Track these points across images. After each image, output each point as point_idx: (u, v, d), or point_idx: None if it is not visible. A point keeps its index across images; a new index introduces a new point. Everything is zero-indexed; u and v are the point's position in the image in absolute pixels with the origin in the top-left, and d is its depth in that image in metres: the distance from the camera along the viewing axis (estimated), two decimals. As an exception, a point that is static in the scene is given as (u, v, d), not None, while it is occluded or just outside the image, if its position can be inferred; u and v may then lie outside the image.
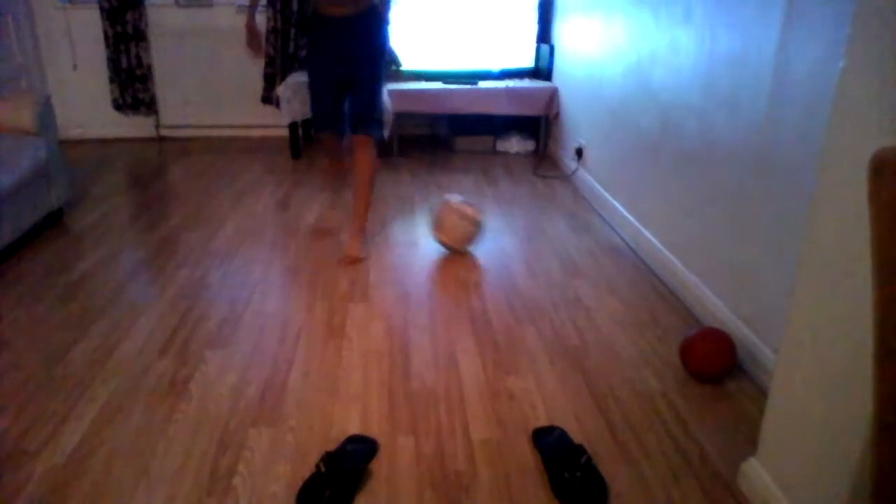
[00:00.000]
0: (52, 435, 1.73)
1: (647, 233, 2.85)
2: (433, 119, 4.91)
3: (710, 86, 2.30)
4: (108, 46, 4.61)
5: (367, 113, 2.82)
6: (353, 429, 1.76)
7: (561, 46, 4.30)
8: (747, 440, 1.71)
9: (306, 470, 1.59)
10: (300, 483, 1.55)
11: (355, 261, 2.81)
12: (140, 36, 4.59)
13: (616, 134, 3.26)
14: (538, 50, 4.57)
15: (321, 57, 2.80)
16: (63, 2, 4.57)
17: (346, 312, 2.38)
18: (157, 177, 4.08)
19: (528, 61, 4.58)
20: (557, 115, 4.33)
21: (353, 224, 2.92)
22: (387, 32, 2.88)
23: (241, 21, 4.62)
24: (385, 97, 4.24)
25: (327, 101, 2.86)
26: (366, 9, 2.72)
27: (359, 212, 2.91)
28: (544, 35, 4.55)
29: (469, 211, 2.83)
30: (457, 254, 2.89)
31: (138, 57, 4.64)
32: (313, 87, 2.89)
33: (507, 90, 4.31)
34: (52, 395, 1.89)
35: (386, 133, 4.32)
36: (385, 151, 4.44)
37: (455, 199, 2.88)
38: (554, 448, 1.66)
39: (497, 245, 3.02)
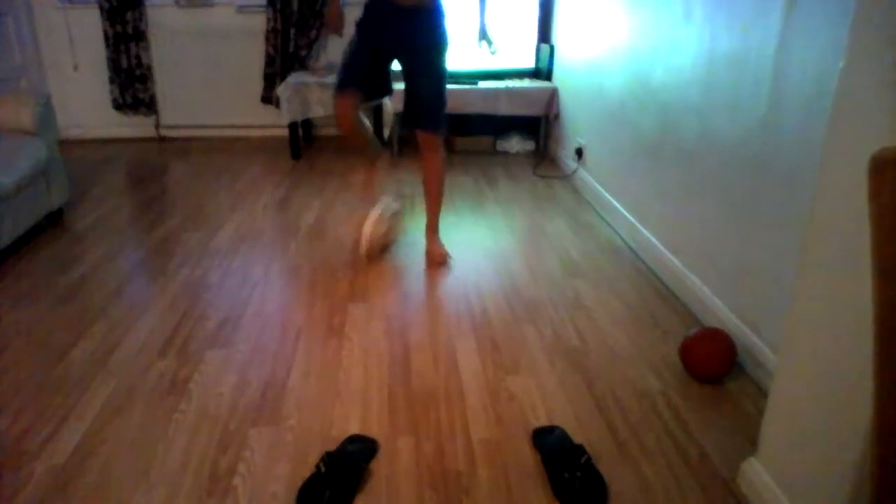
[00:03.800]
0: (52, 435, 1.73)
1: (647, 233, 2.85)
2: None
3: (710, 85, 2.30)
4: (108, 46, 4.61)
5: (431, 105, 2.68)
6: (353, 429, 1.76)
7: (561, 46, 4.29)
8: (747, 440, 1.70)
9: (306, 470, 1.59)
10: (300, 483, 1.55)
11: (444, 261, 2.81)
12: (140, 36, 4.59)
13: (616, 134, 3.26)
14: (538, 50, 4.57)
15: (371, 31, 2.61)
16: (63, 2, 4.57)
17: (346, 312, 2.38)
18: (157, 177, 4.08)
19: (528, 61, 4.58)
20: (557, 115, 4.33)
21: (428, 227, 2.91)
22: (446, 30, 2.66)
23: (241, 21, 4.66)
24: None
25: (361, 63, 2.64)
26: (431, 5, 2.58)
27: (432, 213, 2.88)
28: (544, 35, 4.55)
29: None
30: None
31: (138, 57, 4.64)
32: (351, 50, 2.66)
33: (507, 90, 4.31)
34: (52, 395, 1.89)
35: (386, 133, 4.33)
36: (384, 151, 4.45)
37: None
38: (554, 448, 1.66)
39: (497, 245, 3.02)
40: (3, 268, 2.71)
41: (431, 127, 2.73)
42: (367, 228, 2.77)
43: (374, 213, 2.82)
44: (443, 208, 3.15)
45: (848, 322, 1.21)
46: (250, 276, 2.67)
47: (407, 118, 2.79)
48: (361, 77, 2.68)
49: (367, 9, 2.66)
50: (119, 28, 4.56)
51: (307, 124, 4.78)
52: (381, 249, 2.87)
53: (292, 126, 4.36)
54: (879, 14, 1.11)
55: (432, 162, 2.79)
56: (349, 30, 2.76)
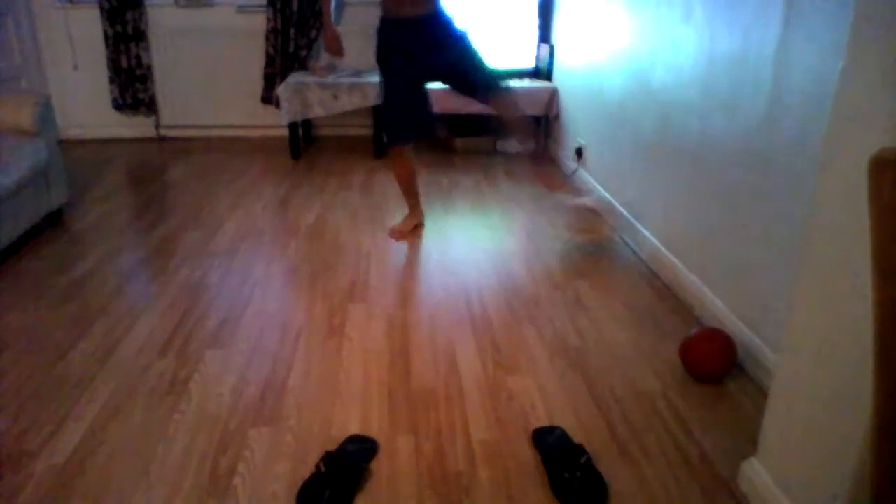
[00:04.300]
0: (52, 435, 1.73)
1: (647, 233, 2.85)
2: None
3: (709, 86, 2.30)
4: (108, 46, 4.61)
5: (491, 75, 2.90)
6: (353, 429, 1.76)
7: (561, 47, 4.30)
8: (747, 440, 1.70)
9: (306, 470, 1.59)
10: (300, 483, 1.55)
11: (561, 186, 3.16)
12: (140, 36, 4.59)
13: (616, 134, 3.26)
14: (538, 50, 4.57)
15: (404, 60, 2.77)
16: (63, 2, 4.57)
17: (346, 312, 2.38)
18: (157, 177, 4.08)
19: (528, 61, 4.58)
20: (557, 115, 4.33)
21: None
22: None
23: (241, 21, 4.66)
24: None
25: (417, 108, 2.88)
26: (437, 7, 2.76)
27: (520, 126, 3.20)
28: (544, 35, 4.55)
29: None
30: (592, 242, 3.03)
31: (138, 57, 4.64)
32: (399, 93, 2.83)
33: (507, 90, 4.30)
34: (52, 395, 1.89)
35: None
36: (386, 151, 4.44)
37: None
38: (554, 448, 1.66)
39: (497, 245, 3.02)
40: (3, 268, 2.71)
41: (503, 89, 2.94)
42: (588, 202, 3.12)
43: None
44: (443, 207, 3.16)
45: (848, 322, 1.21)
46: (250, 276, 2.67)
47: (480, 91, 2.92)
48: (412, 121, 2.90)
49: (384, 36, 2.79)
50: (119, 28, 4.56)
51: (307, 124, 4.78)
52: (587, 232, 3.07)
53: (292, 126, 4.36)
54: (879, 14, 1.11)
55: (515, 114, 3.06)
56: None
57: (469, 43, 2.85)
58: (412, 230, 3.13)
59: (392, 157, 3.06)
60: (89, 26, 4.61)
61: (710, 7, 2.30)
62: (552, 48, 4.42)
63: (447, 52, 2.80)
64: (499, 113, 3.03)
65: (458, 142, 4.64)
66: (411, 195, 3.15)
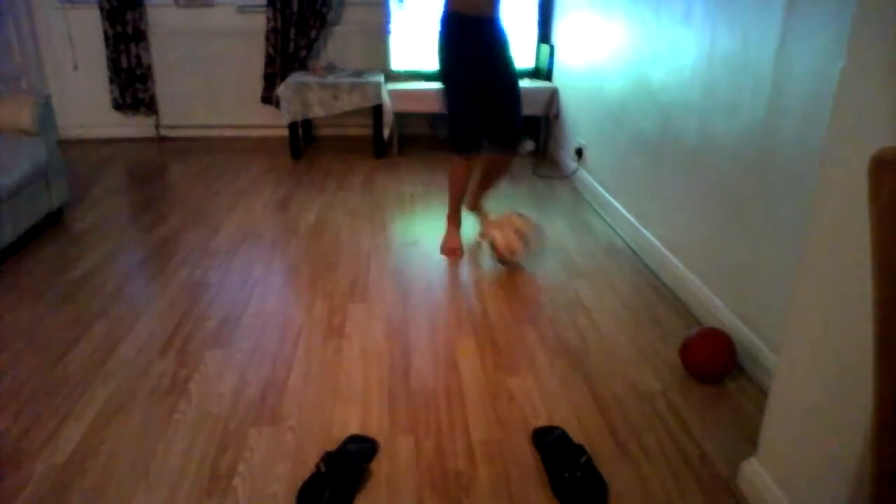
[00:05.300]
0: (52, 435, 1.73)
1: (647, 233, 2.85)
2: (433, 119, 4.91)
3: (710, 86, 2.30)
4: (108, 46, 4.61)
5: (520, 125, 2.84)
6: (353, 429, 1.76)
7: (561, 46, 4.30)
8: (747, 440, 1.71)
9: (306, 470, 1.59)
10: (300, 483, 1.55)
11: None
12: (140, 36, 4.59)
13: (616, 134, 3.26)
14: (538, 50, 4.57)
15: (470, 63, 2.66)
16: (63, 2, 4.57)
17: (346, 312, 2.38)
18: (157, 177, 4.08)
19: (528, 61, 4.58)
20: (557, 115, 4.33)
21: (470, 205, 3.10)
22: None
23: (241, 21, 4.66)
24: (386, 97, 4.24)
25: (477, 116, 2.72)
26: (498, 10, 2.69)
27: (480, 201, 3.15)
28: (544, 35, 4.55)
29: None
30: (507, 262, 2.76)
31: (138, 57, 4.64)
32: (462, 98, 2.68)
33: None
34: (52, 395, 1.89)
35: (386, 133, 4.34)
36: (385, 151, 4.44)
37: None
38: (554, 448, 1.66)
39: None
40: (3, 268, 2.71)
41: (518, 146, 2.94)
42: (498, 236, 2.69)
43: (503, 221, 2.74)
44: (444, 207, 3.15)
45: (848, 322, 1.21)
46: (250, 276, 2.67)
47: (502, 135, 2.85)
48: (480, 132, 2.79)
49: (453, 33, 2.67)
50: (119, 28, 4.56)
51: (307, 124, 4.78)
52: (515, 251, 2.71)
53: (292, 126, 4.36)
54: (879, 14, 1.11)
55: (507, 171, 3.07)
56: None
57: (515, 70, 2.83)
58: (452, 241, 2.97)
59: (455, 163, 2.85)
60: (89, 26, 4.61)
61: (710, 7, 2.30)
62: (552, 48, 4.42)
63: (500, 71, 2.76)
64: (496, 164, 2.97)
65: (458, 142, 4.63)
66: (458, 207, 2.97)
